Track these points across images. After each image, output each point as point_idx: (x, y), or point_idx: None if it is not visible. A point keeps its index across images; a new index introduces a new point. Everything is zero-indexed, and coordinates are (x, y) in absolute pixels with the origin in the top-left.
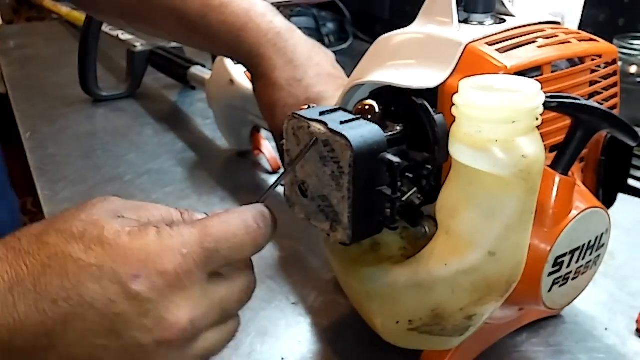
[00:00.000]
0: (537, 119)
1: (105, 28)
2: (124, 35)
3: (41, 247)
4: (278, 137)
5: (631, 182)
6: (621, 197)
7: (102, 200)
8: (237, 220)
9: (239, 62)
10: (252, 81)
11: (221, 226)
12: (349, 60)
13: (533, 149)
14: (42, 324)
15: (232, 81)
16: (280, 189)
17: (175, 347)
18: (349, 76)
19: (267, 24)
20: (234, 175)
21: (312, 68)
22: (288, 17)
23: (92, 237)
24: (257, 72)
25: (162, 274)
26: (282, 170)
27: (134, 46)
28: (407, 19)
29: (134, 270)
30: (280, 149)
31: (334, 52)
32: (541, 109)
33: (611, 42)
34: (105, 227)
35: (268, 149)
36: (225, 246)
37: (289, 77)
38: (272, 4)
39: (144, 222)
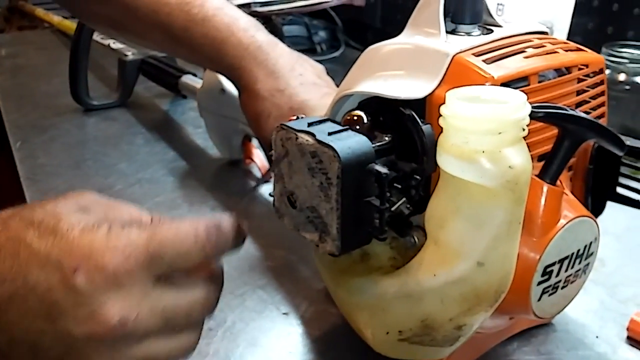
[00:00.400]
0: (524, 129)
1: (97, 37)
2: (115, 44)
3: (2, 230)
4: (267, 147)
5: (620, 190)
6: (611, 204)
7: (76, 195)
8: (188, 228)
9: (223, 75)
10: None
11: (169, 232)
12: (340, 68)
13: (520, 159)
14: None
15: (223, 90)
16: (269, 199)
17: (106, 344)
18: (339, 85)
19: (248, 38)
20: (225, 184)
21: (295, 78)
22: (280, 25)
23: (47, 226)
24: (240, 85)
25: (101, 269)
26: (273, 180)
27: (125, 55)
28: (398, 28)
29: (76, 263)
30: (269, 159)
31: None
32: (527, 120)
33: (600, 50)
34: (62, 219)
35: (259, 157)
36: (170, 252)
37: (271, 87)
38: (265, 12)
39: (102, 220)
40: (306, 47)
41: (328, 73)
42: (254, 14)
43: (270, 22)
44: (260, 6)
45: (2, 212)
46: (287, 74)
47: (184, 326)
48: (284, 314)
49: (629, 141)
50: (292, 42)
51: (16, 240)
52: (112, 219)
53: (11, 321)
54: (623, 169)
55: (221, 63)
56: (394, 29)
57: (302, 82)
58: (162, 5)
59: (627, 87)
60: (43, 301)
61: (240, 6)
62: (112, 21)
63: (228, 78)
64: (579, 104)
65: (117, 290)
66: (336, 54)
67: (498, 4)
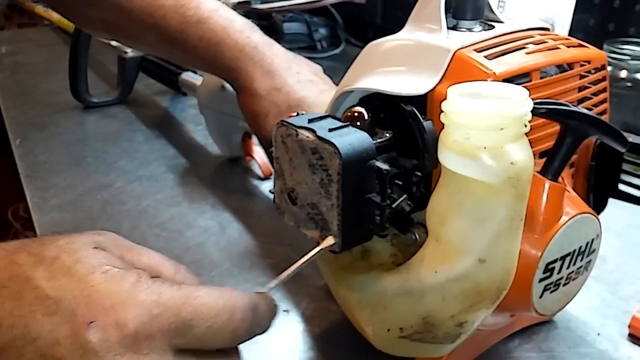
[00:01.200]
0: (526, 125)
1: None
2: (115, 41)
3: (7, 265)
4: (266, 146)
5: (622, 187)
6: (613, 201)
7: (95, 233)
8: (226, 302)
9: (219, 77)
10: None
11: (207, 299)
12: (341, 66)
13: (522, 155)
14: None
15: (223, 87)
16: (270, 196)
17: None
18: (337, 83)
19: (244, 39)
20: (225, 181)
21: (292, 76)
22: (280, 22)
23: (62, 265)
24: (237, 85)
25: (121, 327)
26: (273, 177)
27: (125, 52)
28: (398, 24)
29: (93, 315)
30: (270, 157)
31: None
32: (529, 116)
33: (601, 46)
34: (80, 259)
35: (259, 155)
36: (202, 325)
37: (268, 86)
38: (265, 9)
39: (128, 266)
40: (306, 44)
41: (328, 70)
42: (254, 11)
43: (270, 19)
44: (261, 3)
45: (7, 243)
46: (283, 72)
47: None
48: (285, 311)
49: (630, 138)
50: (292, 40)
51: (22, 280)
52: (139, 266)
53: None
54: (625, 166)
55: (217, 64)
56: (395, 26)
57: (299, 80)
58: (157, 7)
59: (629, 84)
60: (43, 356)
61: (241, 3)
62: (106, 24)
63: (225, 79)
64: (581, 101)
65: (133, 356)
66: (336, 51)
67: (499, 0)
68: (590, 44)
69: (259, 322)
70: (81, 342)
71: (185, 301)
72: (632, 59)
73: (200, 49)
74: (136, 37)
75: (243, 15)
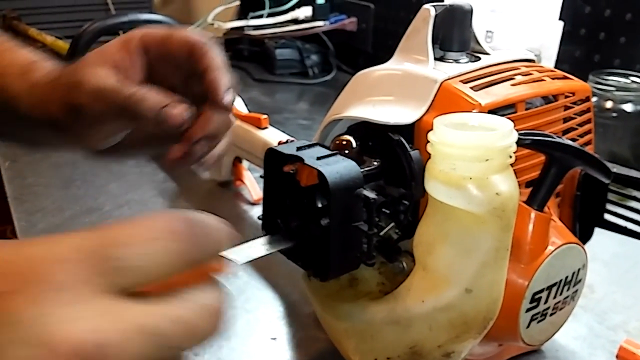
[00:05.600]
0: (511, 157)
1: None
2: None
3: None
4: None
5: (608, 216)
6: (600, 231)
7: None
8: (156, 222)
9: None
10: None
11: (129, 228)
12: (332, 92)
13: (507, 186)
14: None
15: None
16: (259, 223)
17: None
18: (328, 110)
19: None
20: (215, 206)
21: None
22: (273, 48)
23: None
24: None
25: (45, 286)
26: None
27: None
28: (389, 53)
29: (10, 286)
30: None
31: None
32: (514, 147)
33: (587, 78)
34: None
35: (250, 179)
36: (133, 253)
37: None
38: (258, 36)
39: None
40: (298, 70)
41: (319, 96)
42: (247, 37)
43: (263, 46)
44: (254, 29)
45: None
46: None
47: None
48: (273, 338)
49: (615, 168)
50: (285, 66)
51: None
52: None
53: None
54: (610, 196)
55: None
56: (385, 53)
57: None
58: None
59: (614, 114)
60: None
61: (234, 29)
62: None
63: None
64: (565, 131)
65: (75, 308)
66: (328, 77)
67: (487, 31)
68: (576, 75)
69: (214, 236)
70: (8, 315)
71: (103, 235)
72: (617, 90)
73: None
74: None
75: (235, 41)
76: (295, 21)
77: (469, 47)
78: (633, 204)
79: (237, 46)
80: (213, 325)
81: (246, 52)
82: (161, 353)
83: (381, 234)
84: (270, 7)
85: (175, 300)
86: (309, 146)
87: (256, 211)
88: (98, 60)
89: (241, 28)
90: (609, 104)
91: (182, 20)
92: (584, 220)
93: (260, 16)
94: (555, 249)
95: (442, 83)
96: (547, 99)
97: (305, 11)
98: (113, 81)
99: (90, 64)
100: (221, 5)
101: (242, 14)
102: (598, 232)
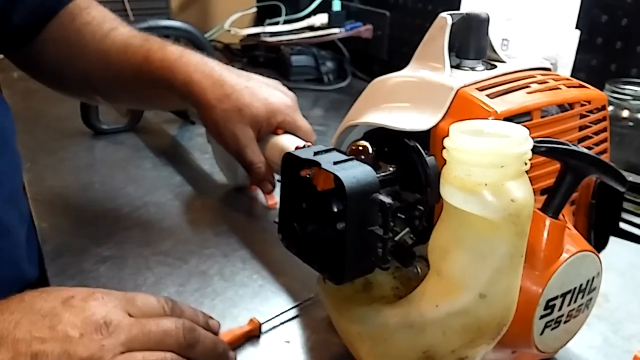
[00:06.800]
0: (526, 163)
1: None
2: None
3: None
4: (239, 160)
5: (623, 225)
6: (616, 240)
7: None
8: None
9: (180, 99)
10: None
11: (143, 294)
12: (347, 98)
13: (522, 193)
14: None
15: None
16: (274, 227)
17: (95, 340)
18: (344, 116)
19: (195, 57)
20: (230, 210)
21: (240, 84)
22: (289, 55)
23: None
24: (193, 100)
25: (93, 297)
26: (278, 207)
27: None
28: (404, 60)
29: (73, 293)
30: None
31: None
32: (530, 154)
33: (603, 87)
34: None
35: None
36: (139, 300)
37: (218, 95)
38: (274, 42)
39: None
40: (314, 77)
41: (334, 102)
42: (263, 44)
43: (279, 52)
44: (270, 36)
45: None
46: (232, 80)
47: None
48: (286, 341)
49: (631, 177)
50: (300, 72)
51: (20, 295)
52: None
53: (19, 336)
54: (626, 205)
55: (176, 83)
56: (400, 61)
57: (247, 86)
58: (127, 45)
59: (631, 123)
60: (46, 316)
61: (250, 36)
62: (87, 76)
63: (183, 98)
64: (581, 140)
65: (103, 306)
66: (343, 84)
67: (503, 39)
68: (593, 84)
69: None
70: (68, 303)
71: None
72: (633, 99)
73: (162, 70)
74: (112, 82)
75: (252, 47)
76: (311, 28)
77: (485, 55)
78: None
79: (253, 52)
80: (184, 333)
81: (262, 58)
82: (147, 340)
83: (396, 238)
84: (286, 14)
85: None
86: (326, 151)
87: (271, 216)
88: (244, 116)
89: (257, 35)
90: (625, 113)
91: (200, 27)
92: (599, 229)
93: (277, 23)
94: (570, 257)
95: (458, 90)
96: (562, 107)
97: (321, 18)
98: (249, 142)
99: (239, 119)
100: (238, 12)
101: (258, 20)
102: (613, 241)
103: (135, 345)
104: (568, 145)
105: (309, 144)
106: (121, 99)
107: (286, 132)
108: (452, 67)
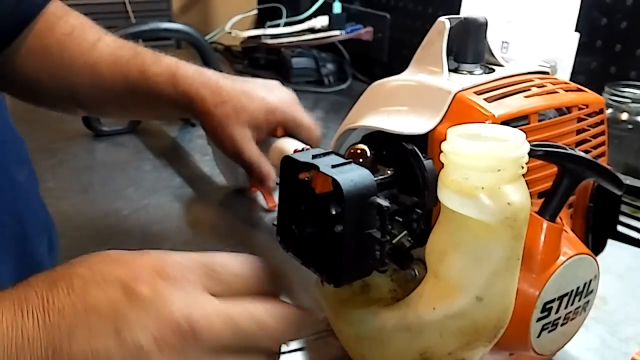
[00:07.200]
0: (523, 167)
1: None
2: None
3: (48, 275)
4: (238, 162)
5: (621, 228)
6: (614, 243)
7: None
8: (245, 258)
9: (178, 111)
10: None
11: (225, 255)
12: (347, 100)
13: (519, 196)
14: (48, 337)
15: None
16: (273, 229)
17: (176, 350)
18: (344, 118)
19: (192, 68)
20: (230, 211)
21: (236, 89)
22: (289, 57)
23: (94, 260)
24: (193, 110)
25: (161, 276)
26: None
27: None
28: (404, 62)
29: (135, 273)
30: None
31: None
32: (526, 158)
33: (602, 89)
34: (107, 253)
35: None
36: (225, 271)
37: (217, 101)
38: (274, 44)
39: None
40: (314, 79)
41: (334, 104)
42: (263, 46)
43: (279, 54)
44: (270, 38)
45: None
46: (228, 87)
47: (256, 348)
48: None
49: (629, 180)
50: (301, 74)
51: (67, 277)
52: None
53: (76, 350)
54: (623, 208)
55: (176, 93)
56: (401, 63)
57: (244, 91)
58: (119, 57)
59: (630, 126)
60: (107, 317)
61: (251, 38)
62: (76, 94)
63: (184, 109)
64: (578, 143)
65: (179, 291)
66: (343, 86)
67: (503, 42)
68: (592, 87)
69: (283, 284)
70: (135, 294)
71: (204, 255)
72: (632, 102)
73: (161, 84)
74: (101, 95)
75: (252, 49)
76: (312, 30)
77: (483, 59)
78: None
79: (254, 54)
80: (283, 329)
81: (263, 60)
82: (240, 342)
83: (394, 241)
84: (287, 17)
85: (251, 301)
86: (324, 154)
87: (271, 217)
88: (242, 118)
89: (258, 37)
90: (624, 116)
91: (201, 29)
92: (597, 232)
93: (277, 25)
94: (567, 260)
95: (456, 94)
96: (560, 111)
97: (322, 20)
98: (247, 143)
99: (236, 122)
100: (239, 14)
101: (259, 22)
102: (611, 244)
103: (224, 351)
104: (565, 148)
105: (308, 147)
106: (107, 112)
107: (287, 132)
108: (450, 71)
